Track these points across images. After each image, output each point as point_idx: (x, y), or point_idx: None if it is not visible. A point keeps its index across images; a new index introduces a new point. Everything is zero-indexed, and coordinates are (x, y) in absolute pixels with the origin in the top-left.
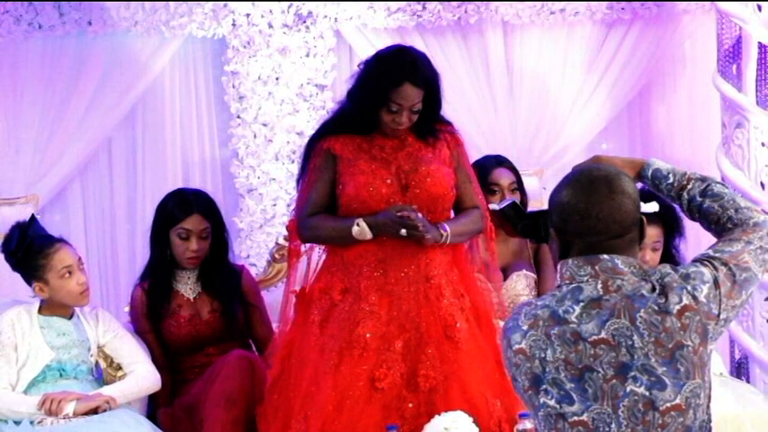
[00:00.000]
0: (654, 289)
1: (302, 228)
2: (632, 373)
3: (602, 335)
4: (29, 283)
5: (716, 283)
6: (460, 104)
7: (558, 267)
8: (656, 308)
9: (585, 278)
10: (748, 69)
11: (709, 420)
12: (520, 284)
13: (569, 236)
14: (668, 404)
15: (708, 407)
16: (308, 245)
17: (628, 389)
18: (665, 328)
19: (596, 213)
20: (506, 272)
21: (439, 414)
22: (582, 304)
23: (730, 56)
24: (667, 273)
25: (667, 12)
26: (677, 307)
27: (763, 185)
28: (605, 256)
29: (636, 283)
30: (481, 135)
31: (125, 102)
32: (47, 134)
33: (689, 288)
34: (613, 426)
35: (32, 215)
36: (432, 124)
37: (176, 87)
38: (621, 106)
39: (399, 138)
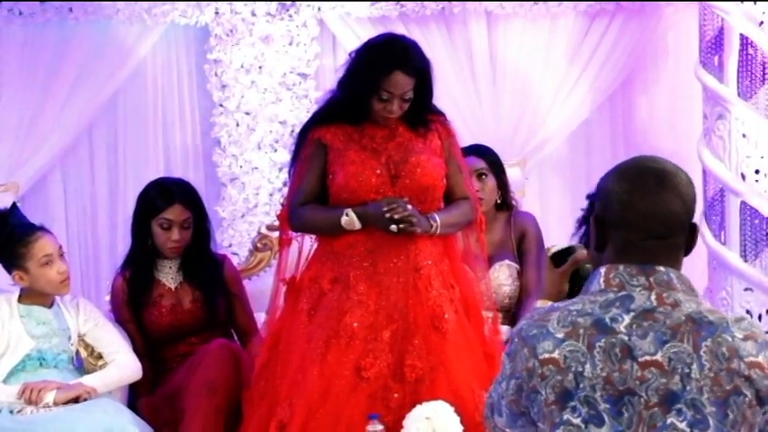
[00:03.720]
0: (728, 322)
1: (293, 217)
2: (678, 406)
3: (657, 356)
4: (8, 271)
5: None
6: (444, 94)
7: (603, 272)
8: (729, 342)
9: (638, 288)
10: (730, 61)
11: None
12: (503, 274)
13: (607, 226)
14: None
15: None
16: (299, 234)
17: (668, 421)
18: (729, 367)
19: (639, 206)
20: (489, 262)
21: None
22: (633, 314)
23: (712, 47)
24: (757, 325)
25: (650, 4)
26: (751, 358)
27: (743, 176)
28: (661, 269)
29: (695, 303)
30: (464, 125)
31: (106, 89)
32: (27, 122)
33: None
34: None
35: (14, 203)
36: (423, 114)
37: (158, 75)
38: (604, 97)
39: (390, 127)
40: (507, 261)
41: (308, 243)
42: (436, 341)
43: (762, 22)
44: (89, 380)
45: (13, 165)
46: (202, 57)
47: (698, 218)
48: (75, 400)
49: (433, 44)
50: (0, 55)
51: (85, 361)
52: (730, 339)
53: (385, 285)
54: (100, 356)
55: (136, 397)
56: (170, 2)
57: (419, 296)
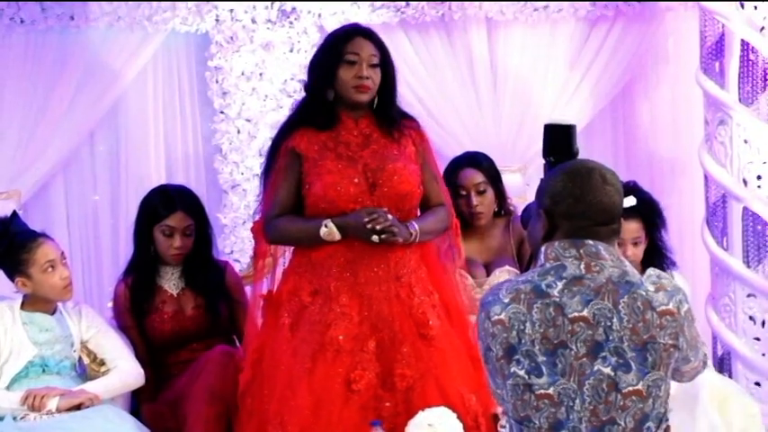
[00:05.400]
0: (642, 280)
1: (269, 229)
2: (603, 354)
3: (584, 313)
4: (11, 278)
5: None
6: (444, 100)
7: (543, 249)
8: (643, 296)
9: (570, 259)
10: (731, 66)
11: (666, 418)
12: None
13: (558, 218)
14: (630, 388)
15: (666, 402)
16: (273, 246)
17: (596, 368)
18: (644, 318)
19: (590, 199)
20: (490, 268)
21: (419, 411)
22: (565, 281)
23: (713, 53)
24: (666, 276)
25: (650, 9)
26: (662, 307)
27: (745, 182)
28: (590, 242)
29: (619, 269)
30: (465, 131)
31: (108, 97)
32: (29, 129)
33: (678, 298)
34: (577, 401)
35: (14, 210)
36: (394, 115)
37: (159, 83)
38: (605, 103)
39: (364, 133)
40: (508, 266)
41: (282, 255)
42: (423, 348)
43: (762, 28)
44: (92, 386)
45: (15, 172)
46: (203, 64)
47: (700, 224)
48: (78, 407)
49: (433, 51)
50: (1, 63)
51: (88, 367)
52: (644, 294)
53: (367, 295)
54: (102, 363)
55: (138, 403)
56: (170, 2)
57: (402, 305)
